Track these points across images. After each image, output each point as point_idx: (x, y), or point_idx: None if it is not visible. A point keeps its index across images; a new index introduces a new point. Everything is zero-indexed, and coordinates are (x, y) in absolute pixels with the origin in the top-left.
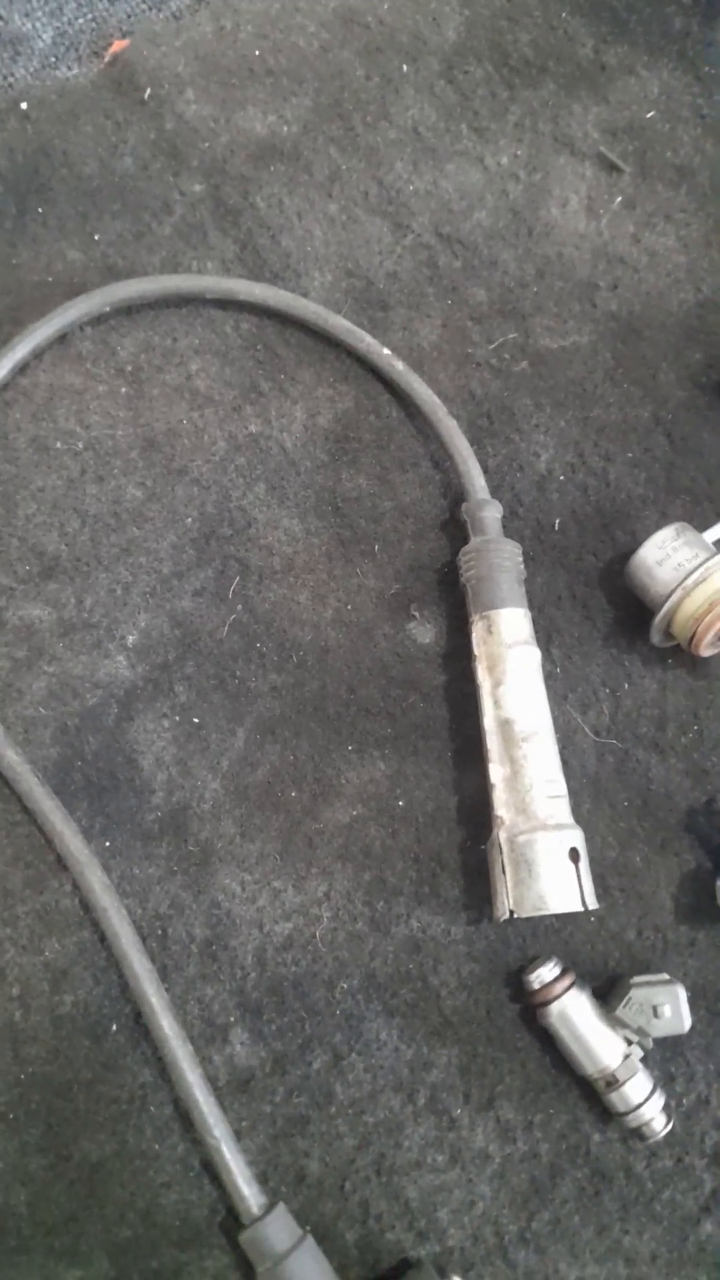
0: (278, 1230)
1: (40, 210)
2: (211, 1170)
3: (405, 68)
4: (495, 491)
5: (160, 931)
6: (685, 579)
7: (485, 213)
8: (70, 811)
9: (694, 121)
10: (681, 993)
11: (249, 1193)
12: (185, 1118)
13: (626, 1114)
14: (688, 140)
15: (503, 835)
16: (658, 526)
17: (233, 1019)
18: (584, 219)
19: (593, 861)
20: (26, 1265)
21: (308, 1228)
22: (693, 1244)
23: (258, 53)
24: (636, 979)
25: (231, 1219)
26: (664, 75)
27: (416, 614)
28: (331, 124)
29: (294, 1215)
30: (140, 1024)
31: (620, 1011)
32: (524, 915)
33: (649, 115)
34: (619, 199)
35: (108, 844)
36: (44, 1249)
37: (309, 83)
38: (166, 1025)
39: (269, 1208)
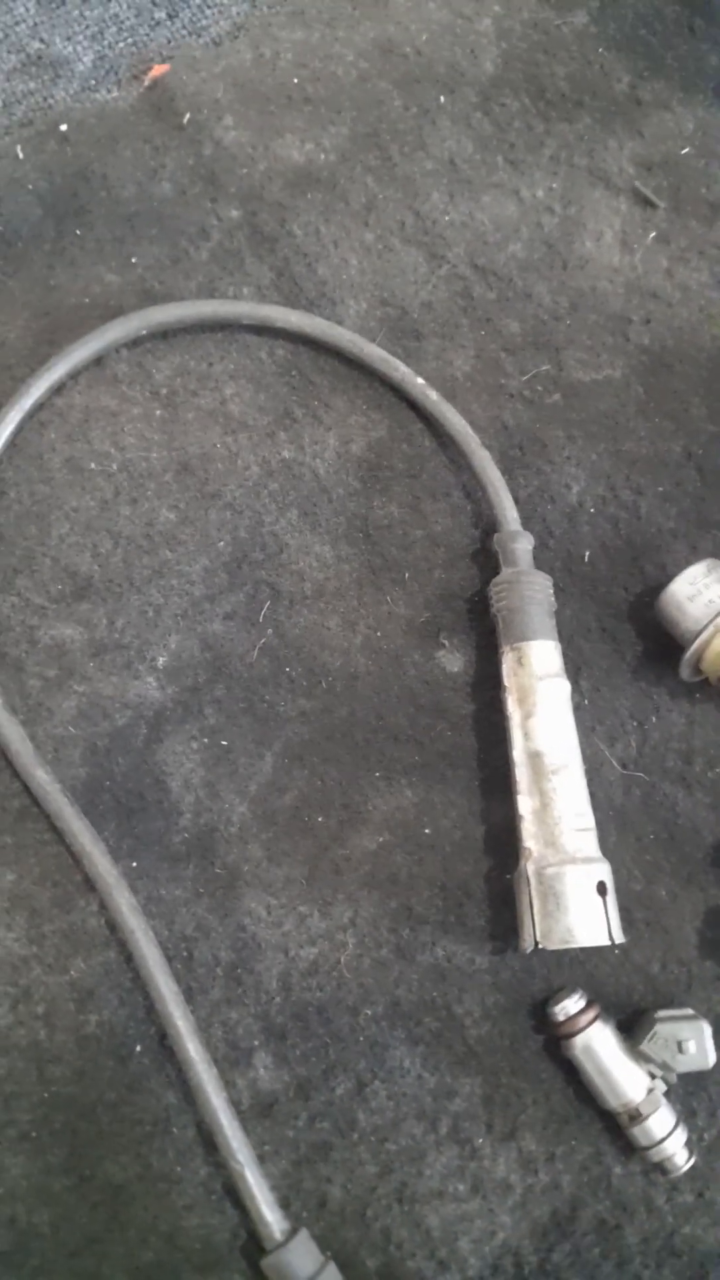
0: (300, 1256)
1: (78, 233)
2: (234, 1195)
3: (442, 99)
4: (526, 522)
5: (186, 953)
6: (717, 616)
7: (520, 245)
8: (98, 832)
9: None
10: (707, 1028)
11: (272, 1218)
12: (208, 1141)
13: (649, 1148)
14: None
15: (531, 867)
16: (687, 561)
17: (257, 1043)
18: (618, 253)
19: (618, 894)
20: None
21: (329, 1254)
22: None
23: (296, 81)
24: (661, 1013)
25: (253, 1244)
26: (699, 111)
27: (446, 642)
28: (368, 153)
29: (316, 1241)
30: (165, 1046)
31: (645, 1046)
32: (551, 948)
33: (684, 151)
34: (653, 234)
35: (135, 865)
36: (66, 1270)
37: (346, 111)
38: (192, 1048)
39: (291, 1234)
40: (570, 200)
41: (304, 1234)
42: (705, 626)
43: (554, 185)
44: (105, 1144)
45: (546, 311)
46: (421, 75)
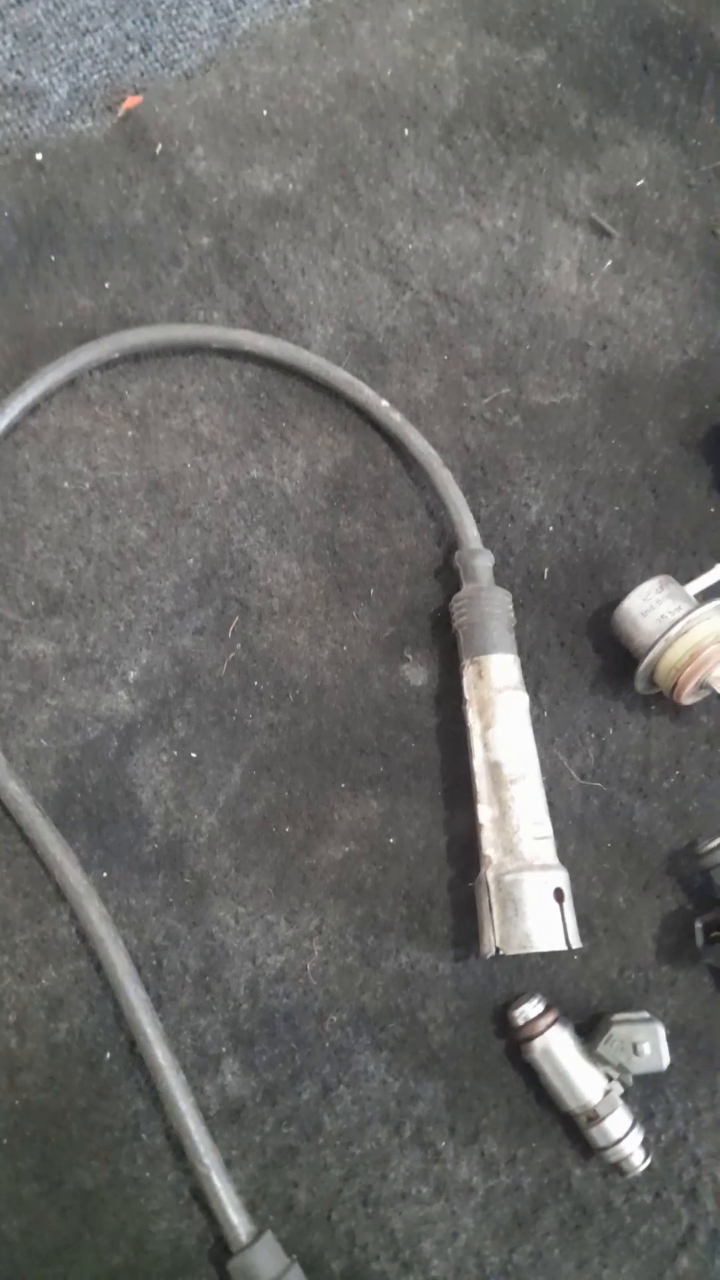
0: (265, 1258)
1: (53, 258)
2: (201, 1199)
3: (407, 132)
4: (487, 540)
5: (155, 962)
6: (668, 630)
7: (481, 273)
8: (70, 843)
9: (682, 190)
10: (661, 1031)
11: (238, 1221)
12: (177, 1146)
13: (606, 1149)
14: (675, 208)
15: (490, 874)
16: (643, 578)
17: (225, 1049)
18: (575, 281)
19: (577, 901)
20: None
21: (294, 1256)
22: (670, 1278)
23: (265, 113)
24: (617, 1016)
25: (220, 1248)
26: (654, 146)
27: (410, 657)
28: (335, 183)
29: (282, 1244)
30: (134, 1053)
31: (601, 1048)
32: (510, 953)
33: (639, 184)
34: (609, 263)
35: (105, 875)
36: (36, 1276)
37: (314, 143)
38: (160, 1055)
39: (257, 1236)
40: (530, 230)
41: (269, 1236)
42: (657, 640)
43: (514, 215)
44: (75, 1150)
45: (507, 337)
46: (386, 109)
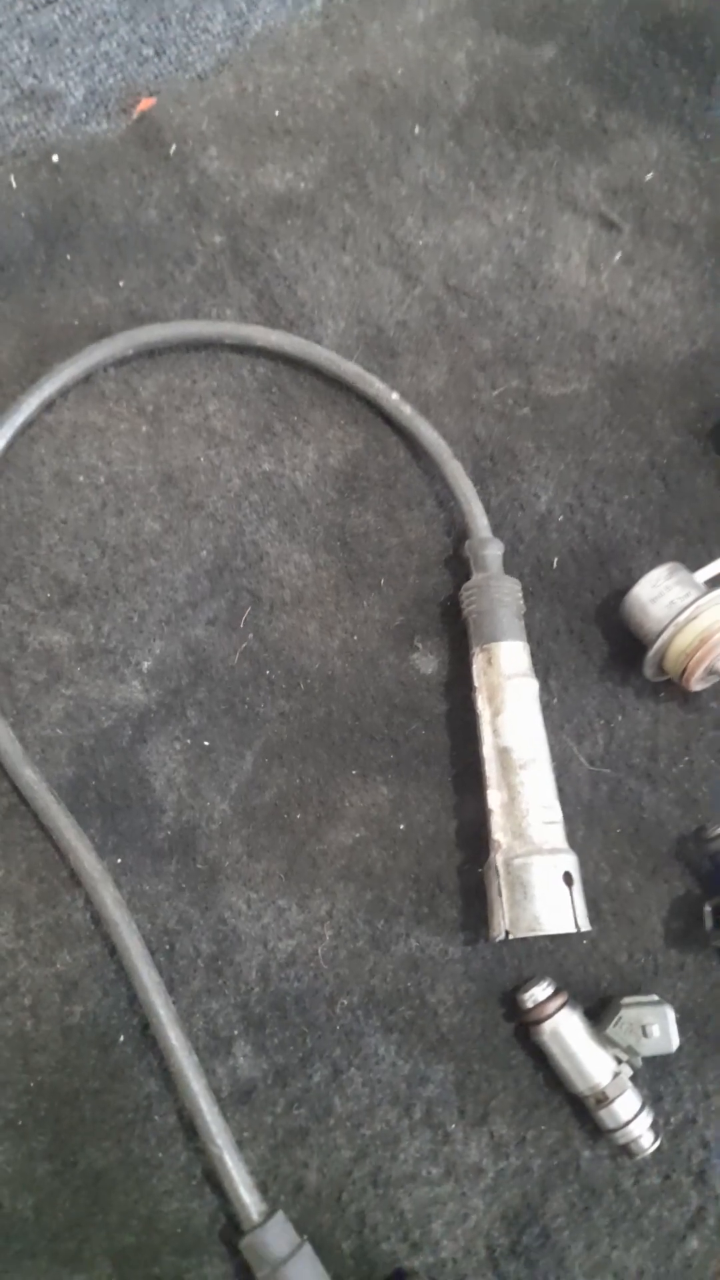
0: (276, 1237)
1: (68, 257)
2: (213, 1179)
3: (417, 128)
4: (497, 530)
5: (168, 946)
6: (677, 616)
7: (491, 266)
8: (84, 829)
9: (691, 183)
10: (670, 1013)
11: (250, 1201)
12: (189, 1127)
13: (615, 1131)
14: (684, 200)
15: (500, 858)
16: (652, 566)
17: (236, 1032)
18: (585, 273)
19: (586, 886)
20: (31, 1270)
21: (305, 1236)
22: (679, 1260)
23: (277, 113)
24: (627, 999)
25: (231, 1227)
26: (663, 139)
27: (420, 645)
28: (346, 181)
29: (292, 1225)
30: (147, 1035)
31: (610, 1031)
32: (519, 935)
33: (648, 176)
34: (618, 255)
35: (119, 861)
36: (48, 1254)
37: (325, 142)
38: (173, 1037)
39: (268, 1215)
40: (539, 223)
41: (280, 1216)
42: (666, 626)
43: (524, 209)
44: (88, 1131)
45: (517, 329)
46: (397, 106)
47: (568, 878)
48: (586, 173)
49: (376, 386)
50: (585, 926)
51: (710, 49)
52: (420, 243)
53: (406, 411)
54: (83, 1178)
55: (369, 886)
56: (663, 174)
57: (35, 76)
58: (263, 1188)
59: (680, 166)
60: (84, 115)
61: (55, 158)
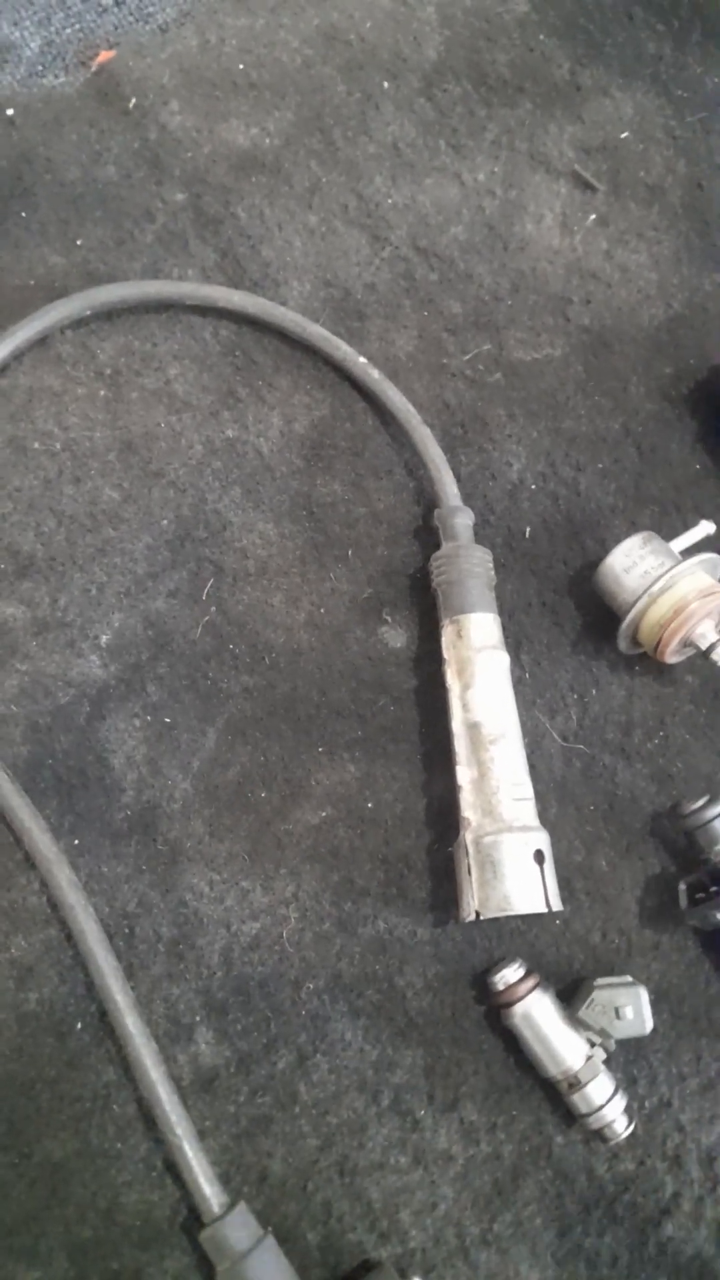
0: (238, 1229)
1: (23, 215)
2: (174, 1170)
3: (385, 85)
4: (468, 499)
5: (127, 930)
6: (651, 585)
7: (462, 227)
8: (40, 809)
9: (666, 142)
10: (643, 994)
11: (210, 1192)
12: (148, 1117)
13: (588, 1115)
14: (660, 160)
15: (469, 836)
16: (627, 536)
17: (198, 1018)
18: (558, 235)
19: (559, 864)
20: None
21: (269, 1228)
22: (653, 1246)
23: (241, 66)
24: (599, 981)
25: (193, 1219)
26: (638, 97)
27: (388, 618)
28: (312, 138)
29: (256, 1215)
30: (105, 1022)
31: (583, 1013)
32: (489, 915)
33: (623, 135)
34: (592, 216)
35: (76, 842)
36: (4, 1248)
37: (291, 97)
38: (130, 1023)
39: (229, 1207)
40: (511, 183)
41: (242, 1207)
42: (640, 597)
43: (495, 169)
44: (44, 1121)
45: (488, 292)
46: (365, 61)
47: (539, 856)
48: (560, 131)
49: (343, 350)
50: (557, 906)
51: (686, 5)
52: (389, 202)
53: (374, 376)
54: (39, 1169)
55: (335, 867)
56: (638, 133)
57: None
58: (225, 1178)
59: (655, 126)
60: (40, 68)
61: (10, 111)
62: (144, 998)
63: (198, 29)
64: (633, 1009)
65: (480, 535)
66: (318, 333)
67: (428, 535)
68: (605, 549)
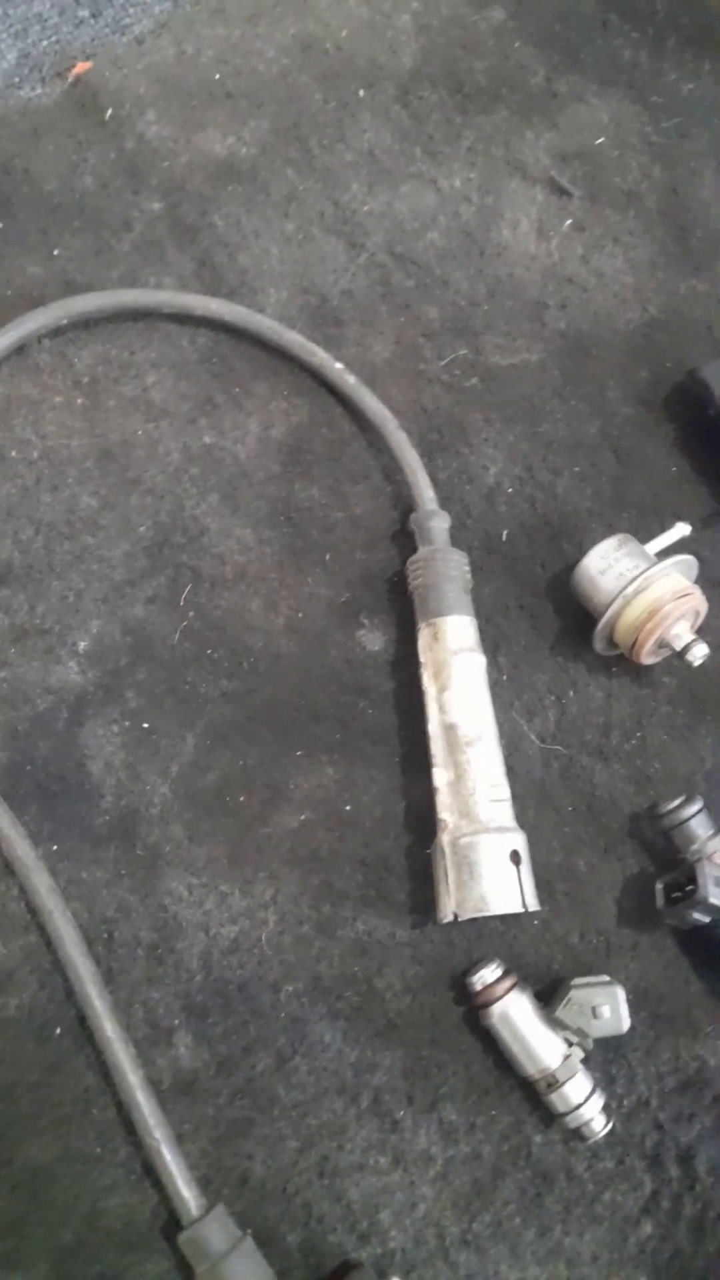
0: (216, 1231)
1: (1, 225)
2: (154, 1174)
3: (362, 93)
4: (445, 504)
5: (107, 935)
6: (626, 587)
7: (438, 233)
8: (19, 815)
9: (642, 148)
10: (620, 993)
11: (189, 1195)
12: (128, 1121)
13: (567, 1114)
14: (636, 166)
15: (446, 838)
16: (603, 538)
17: (177, 1022)
18: (534, 241)
19: (537, 865)
20: None
21: (248, 1230)
22: (633, 1244)
23: (218, 76)
24: (577, 980)
25: (173, 1222)
26: (613, 104)
27: (366, 622)
28: (289, 146)
29: (236, 1218)
30: (85, 1027)
31: (560, 1012)
32: (466, 916)
33: (599, 142)
34: (569, 222)
35: (55, 848)
36: None
37: (267, 106)
38: (109, 1028)
39: (208, 1210)
40: (488, 190)
41: (220, 1209)
42: (615, 598)
43: (472, 175)
44: (25, 1126)
45: (464, 298)
46: (341, 70)
47: (515, 856)
48: (536, 138)
49: (320, 357)
50: (534, 906)
51: (661, 13)
52: (365, 209)
53: (351, 382)
54: (20, 1174)
55: (315, 870)
56: (613, 139)
57: None
58: (206, 1181)
59: (631, 132)
60: (17, 79)
61: None
62: (123, 1002)
63: (174, 39)
64: (610, 1008)
65: (458, 538)
66: (294, 339)
67: (405, 539)
68: (582, 552)
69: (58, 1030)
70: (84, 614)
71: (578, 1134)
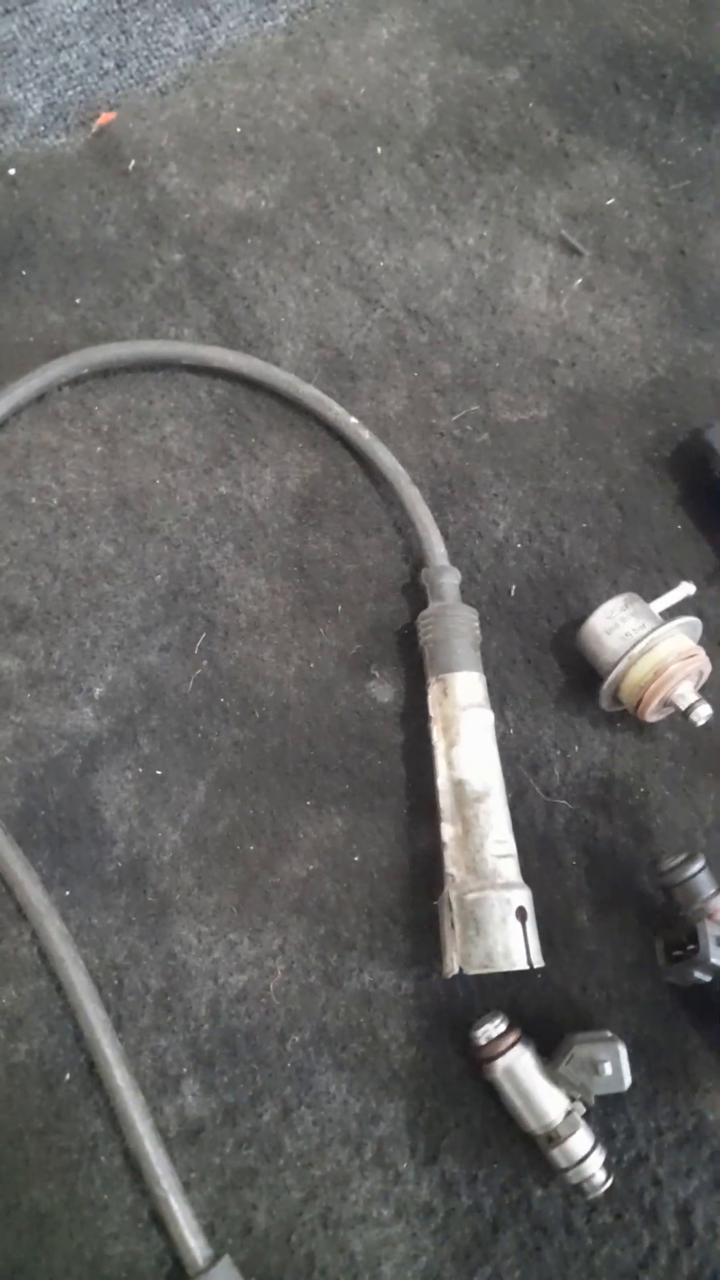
0: None
1: (23, 273)
2: (159, 1222)
3: (379, 150)
4: (454, 557)
5: (117, 981)
6: (632, 648)
7: (451, 290)
8: (31, 860)
9: (650, 209)
10: (622, 1050)
11: (195, 1244)
12: (135, 1168)
13: (568, 1170)
14: (644, 226)
15: (453, 893)
16: (609, 595)
17: (185, 1070)
18: (545, 299)
19: (539, 919)
20: None
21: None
22: None
23: (238, 130)
24: (579, 1036)
25: (178, 1271)
26: (623, 164)
27: (376, 674)
28: (307, 201)
29: (241, 1267)
30: (93, 1074)
31: (563, 1068)
32: (471, 972)
33: (609, 202)
34: (578, 281)
35: (67, 893)
36: None
37: (286, 161)
38: (119, 1076)
39: (214, 1260)
40: (500, 248)
41: (227, 1260)
42: (621, 658)
43: (485, 233)
44: (32, 1171)
45: (476, 354)
46: (359, 127)
47: (521, 913)
48: (547, 197)
49: (335, 410)
50: (538, 963)
51: (670, 76)
52: (381, 265)
53: (365, 436)
54: (26, 1219)
55: (322, 920)
56: (623, 200)
57: None
58: (210, 1230)
59: (640, 193)
60: (42, 128)
61: (12, 171)
62: (132, 1049)
63: (196, 93)
64: (611, 1065)
65: (466, 592)
66: (310, 393)
67: (415, 592)
68: (588, 607)
69: (66, 1076)
70: (99, 660)
71: (579, 1189)
